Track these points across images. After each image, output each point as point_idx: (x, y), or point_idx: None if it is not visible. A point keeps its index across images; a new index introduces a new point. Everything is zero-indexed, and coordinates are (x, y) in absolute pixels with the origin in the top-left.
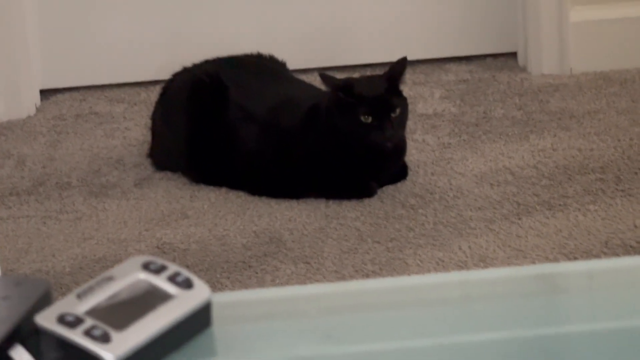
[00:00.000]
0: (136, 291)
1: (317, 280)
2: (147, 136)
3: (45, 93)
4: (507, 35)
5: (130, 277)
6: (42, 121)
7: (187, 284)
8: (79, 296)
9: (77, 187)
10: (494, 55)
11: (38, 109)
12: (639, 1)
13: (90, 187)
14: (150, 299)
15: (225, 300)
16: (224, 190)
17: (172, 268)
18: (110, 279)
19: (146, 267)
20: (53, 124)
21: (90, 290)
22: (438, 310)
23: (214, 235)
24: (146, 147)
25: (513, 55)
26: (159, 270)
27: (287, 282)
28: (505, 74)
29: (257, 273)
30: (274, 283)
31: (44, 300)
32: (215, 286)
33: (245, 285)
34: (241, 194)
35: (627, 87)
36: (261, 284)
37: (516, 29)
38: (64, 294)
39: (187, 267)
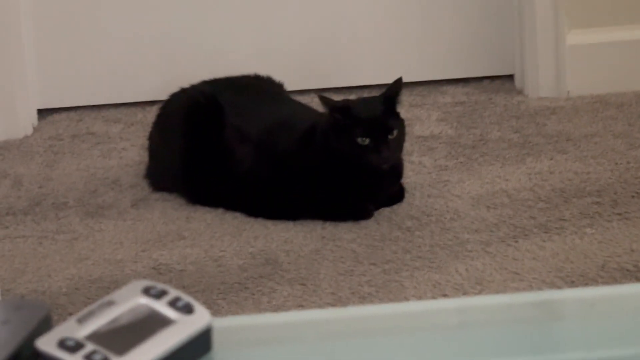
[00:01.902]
0: (137, 316)
1: (313, 302)
2: (143, 156)
3: (42, 113)
4: (504, 58)
5: (130, 301)
6: (39, 141)
7: (187, 309)
8: (80, 321)
9: (73, 207)
10: (491, 78)
11: (35, 129)
12: (636, 24)
13: (86, 207)
14: (151, 324)
15: (225, 325)
16: (220, 211)
17: (173, 293)
18: (110, 303)
19: (146, 291)
20: (50, 144)
21: (90, 314)
22: (436, 336)
23: (210, 257)
24: (143, 168)
25: (510, 77)
26: (159, 295)
27: (283, 304)
28: (502, 97)
29: (253, 294)
30: (270, 305)
31: (44, 325)
32: (212, 307)
33: (241, 307)
34: (237, 215)
35: (624, 111)
36: (257, 305)
37: (513, 51)
38: (60, 315)
39: (184, 288)
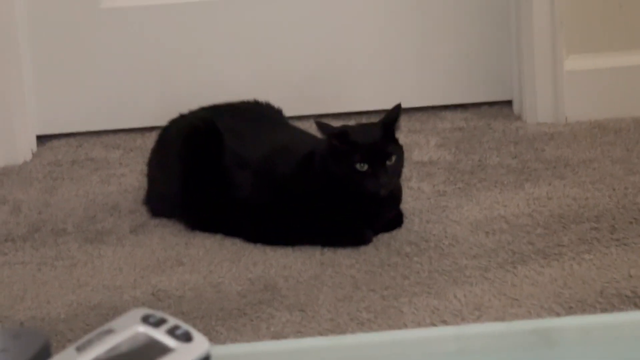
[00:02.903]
0: (135, 344)
1: (312, 328)
2: (142, 182)
3: (41, 139)
4: (502, 84)
5: (129, 330)
6: (38, 167)
7: (186, 337)
8: (79, 349)
9: (72, 233)
10: (489, 104)
11: (34, 155)
12: (634, 50)
13: (85, 233)
14: (150, 352)
15: (223, 353)
16: (219, 237)
17: (172, 321)
18: (109, 332)
19: (145, 320)
20: (49, 170)
21: (89, 343)
22: None
23: (209, 283)
24: (142, 194)
25: (508, 103)
26: (158, 323)
27: (282, 330)
28: (501, 122)
29: (252, 320)
30: (269, 331)
31: (43, 353)
32: (211, 334)
33: (240, 333)
34: (236, 240)
35: (622, 136)
36: (256, 331)
37: (511, 77)
38: (59, 341)
39: (182, 314)
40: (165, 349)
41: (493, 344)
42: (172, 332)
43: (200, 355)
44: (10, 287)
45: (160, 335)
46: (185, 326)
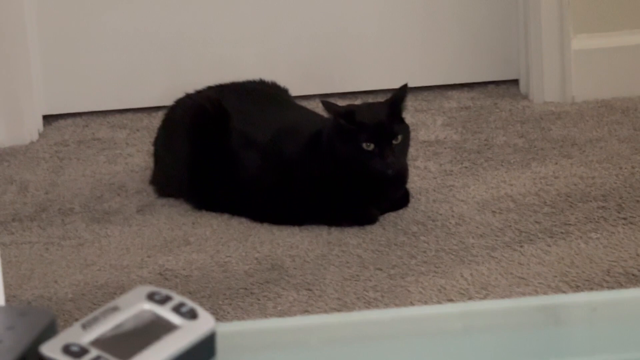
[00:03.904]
0: (141, 321)
1: (319, 307)
2: (149, 162)
3: (47, 119)
4: (509, 63)
5: (135, 307)
6: (45, 147)
7: (191, 315)
8: (84, 326)
9: (79, 213)
10: (496, 83)
11: (41, 135)
12: None
13: (92, 213)
14: (155, 329)
15: (229, 330)
16: (226, 216)
17: (177, 298)
18: (115, 309)
19: (151, 297)
20: (55, 150)
21: (95, 320)
22: (440, 341)
23: (216, 262)
24: (148, 174)
25: (515, 82)
26: (163, 300)
27: (289, 309)
28: (507, 102)
29: (259, 300)
30: (275, 310)
31: (49, 331)
32: (218, 313)
33: (247, 312)
34: (243, 220)
35: (629, 115)
36: (263, 310)
37: (518, 56)
38: (66, 321)
39: (189, 293)
40: (170, 326)
41: (499, 321)
42: (177, 309)
43: (206, 332)
44: (18, 266)
45: (165, 312)
46: (190, 303)
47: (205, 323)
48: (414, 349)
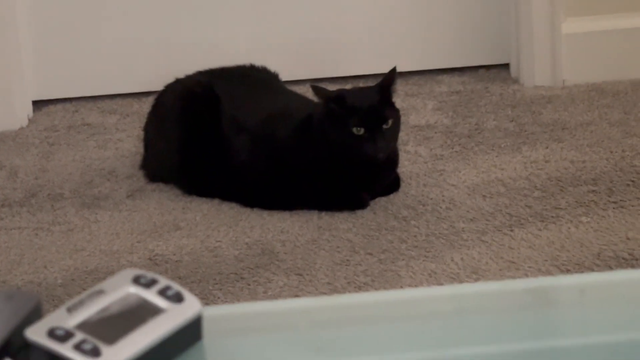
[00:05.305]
0: (126, 305)
1: (310, 292)
2: (139, 147)
3: (37, 104)
4: (500, 47)
5: (120, 291)
6: (35, 132)
7: (177, 298)
8: (69, 310)
9: (69, 198)
10: (487, 67)
11: (30, 120)
12: (632, 12)
13: (82, 198)
14: (141, 312)
15: (216, 314)
16: (216, 201)
17: (163, 282)
18: (100, 292)
19: (136, 280)
20: (45, 135)
21: (80, 304)
22: (430, 323)
23: (206, 247)
24: (139, 159)
25: (506, 66)
26: (149, 284)
27: (279, 294)
28: (498, 86)
29: (249, 285)
30: (266, 295)
31: (35, 314)
32: (208, 298)
33: (238, 297)
34: (233, 205)
35: (620, 99)
36: (253, 295)
37: (509, 40)
38: (56, 306)
39: (179, 278)
40: (156, 310)
41: (489, 304)
42: (163, 292)
43: (192, 316)
44: (7, 252)
45: (151, 296)
46: (176, 287)
47: (191, 306)
48: (405, 331)
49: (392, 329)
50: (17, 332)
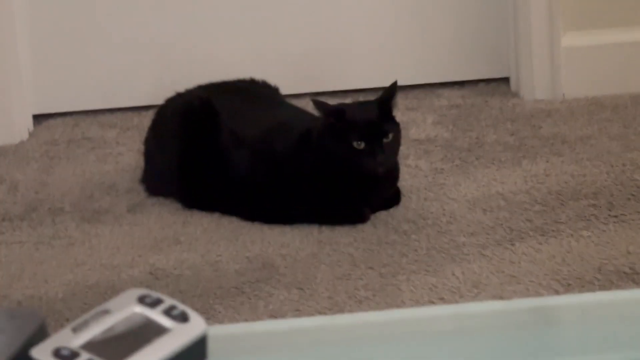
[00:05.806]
0: (132, 325)
1: (310, 306)
2: (139, 161)
3: (38, 118)
4: (500, 61)
5: (125, 310)
6: (35, 146)
7: (182, 318)
8: (75, 330)
9: (69, 212)
10: (486, 81)
11: (31, 134)
12: (631, 26)
13: (82, 212)
14: (146, 332)
15: (220, 333)
16: (216, 215)
17: (168, 301)
18: (105, 312)
19: (142, 300)
20: (46, 149)
21: (85, 323)
22: (432, 342)
23: (207, 261)
24: (139, 173)
25: (505, 80)
26: (154, 303)
27: (280, 308)
28: (498, 100)
29: (250, 299)
30: (267, 309)
31: (39, 334)
32: (209, 312)
33: (238, 311)
34: (234, 219)
35: (619, 113)
36: (254, 310)
37: (508, 54)
38: (56, 320)
39: (180, 293)
40: (161, 330)
41: (491, 323)
42: (168, 312)
43: (197, 335)
44: (8, 266)
45: (156, 315)
46: (181, 306)
47: (196, 326)
48: (406, 350)
49: (393, 348)
50: (22, 351)
